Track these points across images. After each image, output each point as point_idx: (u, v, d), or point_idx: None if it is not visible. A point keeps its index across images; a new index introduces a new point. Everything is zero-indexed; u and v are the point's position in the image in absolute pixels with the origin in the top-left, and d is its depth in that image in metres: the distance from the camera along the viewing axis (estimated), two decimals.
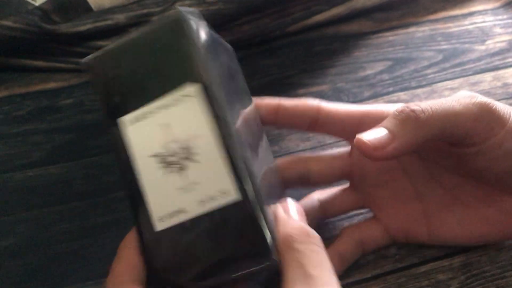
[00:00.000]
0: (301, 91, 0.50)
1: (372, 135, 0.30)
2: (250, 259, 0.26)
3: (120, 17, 0.51)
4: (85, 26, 0.50)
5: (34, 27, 0.49)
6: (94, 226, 0.40)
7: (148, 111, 0.28)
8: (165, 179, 0.27)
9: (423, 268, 0.35)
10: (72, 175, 0.43)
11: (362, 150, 0.30)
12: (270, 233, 0.26)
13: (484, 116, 0.30)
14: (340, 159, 0.36)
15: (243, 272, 0.26)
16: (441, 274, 0.35)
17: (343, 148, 0.36)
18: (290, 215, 0.28)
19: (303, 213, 0.29)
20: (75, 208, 0.41)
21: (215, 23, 0.52)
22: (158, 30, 0.29)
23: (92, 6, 0.52)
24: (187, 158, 0.27)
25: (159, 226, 0.27)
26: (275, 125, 0.35)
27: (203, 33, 0.30)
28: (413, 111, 0.30)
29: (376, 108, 0.34)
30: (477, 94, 0.31)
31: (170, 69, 0.29)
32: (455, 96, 0.31)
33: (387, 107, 0.34)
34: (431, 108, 0.30)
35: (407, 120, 0.30)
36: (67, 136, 0.46)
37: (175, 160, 0.28)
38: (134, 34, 0.30)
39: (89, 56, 0.30)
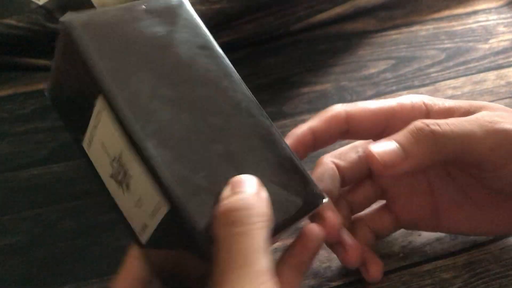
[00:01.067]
0: (305, 89, 0.50)
1: (384, 151, 0.29)
2: (191, 266, 0.26)
3: None
4: None
5: (38, 26, 0.49)
6: (98, 224, 0.40)
7: (90, 133, 0.27)
8: (123, 196, 0.27)
9: (427, 267, 0.35)
10: (76, 174, 0.43)
11: (372, 164, 0.29)
12: (206, 237, 0.24)
13: (503, 145, 0.29)
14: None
15: (192, 277, 0.27)
16: (445, 273, 0.35)
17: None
18: (236, 191, 0.25)
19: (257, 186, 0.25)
20: (79, 206, 0.41)
21: (219, 22, 0.52)
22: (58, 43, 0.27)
23: (96, 5, 0.52)
24: (125, 176, 0.26)
25: (142, 239, 0.27)
26: (312, 151, 0.33)
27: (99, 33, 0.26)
28: (432, 132, 0.29)
29: (401, 104, 0.33)
30: (499, 119, 0.30)
31: (84, 83, 0.26)
32: (478, 118, 0.30)
33: (410, 100, 0.33)
34: (451, 130, 0.29)
35: (424, 140, 0.29)
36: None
37: (121, 178, 0.27)
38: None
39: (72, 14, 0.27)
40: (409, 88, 0.49)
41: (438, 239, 0.37)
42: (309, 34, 0.55)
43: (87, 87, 0.26)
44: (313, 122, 0.33)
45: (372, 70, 0.51)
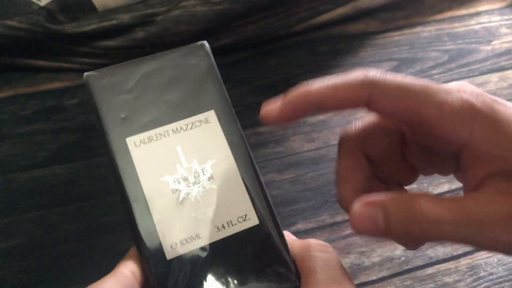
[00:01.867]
0: None
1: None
2: (272, 283, 0.26)
3: (125, 17, 0.51)
4: (90, 26, 0.50)
5: (39, 27, 0.49)
6: (99, 226, 0.40)
7: (160, 133, 0.28)
8: (176, 204, 0.27)
9: (429, 271, 0.35)
10: (77, 176, 0.43)
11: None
12: (288, 255, 0.26)
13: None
14: None
15: None
16: (448, 277, 0.35)
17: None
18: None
19: None
20: (80, 209, 0.41)
21: (220, 23, 0.52)
22: (178, 56, 0.30)
23: (97, 6, 0.52)
24: (200, 183, 0.27)
25: (170, 254, 0.26)
26: (321, 108, 0.26)
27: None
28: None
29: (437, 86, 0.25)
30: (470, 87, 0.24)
31: (186, 93, 0.29)
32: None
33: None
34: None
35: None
36: (72, 136, 0.46)
37: (188, 186, 0.27)
38: (149, 57, 0.30)
39: (94, 71, 0.29)
40: None
41: (440, 242, 0.37)
42: (310, 35, 0.55)
43: None
44: (332, 79, 0.26)
45: None
